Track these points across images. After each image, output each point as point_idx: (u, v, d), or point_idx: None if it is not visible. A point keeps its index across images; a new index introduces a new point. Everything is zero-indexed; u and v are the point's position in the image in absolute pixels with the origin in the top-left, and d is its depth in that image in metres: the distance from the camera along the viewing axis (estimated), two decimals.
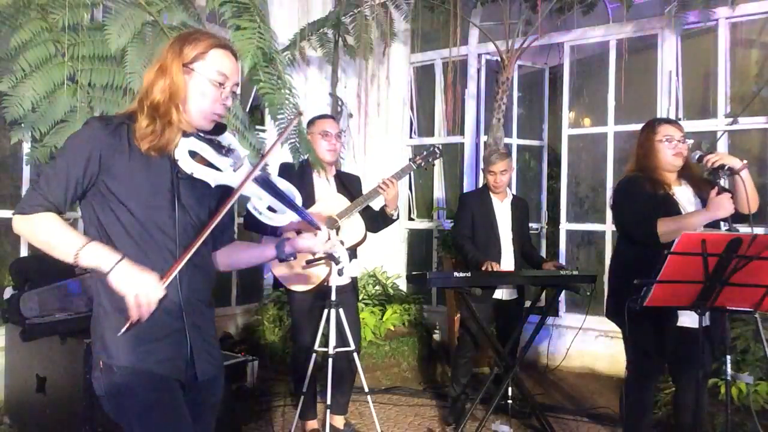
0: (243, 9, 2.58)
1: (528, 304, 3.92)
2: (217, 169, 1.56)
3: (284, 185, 1.66)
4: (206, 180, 1.53)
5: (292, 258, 1.72)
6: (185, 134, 1.52)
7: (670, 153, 2.57)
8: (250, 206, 1.59)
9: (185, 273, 1.51)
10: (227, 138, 1.62)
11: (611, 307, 2.68)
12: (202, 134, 1.56)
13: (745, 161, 2.42)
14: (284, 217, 1.61)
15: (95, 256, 1.38)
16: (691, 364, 2.58)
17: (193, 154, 1.52)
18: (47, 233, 1.40)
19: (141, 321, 1.37)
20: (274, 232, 2.76)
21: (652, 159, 2.59)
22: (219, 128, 1.59)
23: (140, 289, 1.36)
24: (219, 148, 1.56)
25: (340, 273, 2.67)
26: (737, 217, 2.38)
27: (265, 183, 1.60)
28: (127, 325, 1.37)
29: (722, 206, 2.34)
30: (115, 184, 1.46)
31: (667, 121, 2.69)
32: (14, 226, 1.44)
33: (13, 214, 1.43)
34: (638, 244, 2.56)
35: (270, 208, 1.61)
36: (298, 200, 1.67)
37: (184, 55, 1.50)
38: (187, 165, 1.50)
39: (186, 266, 1.47)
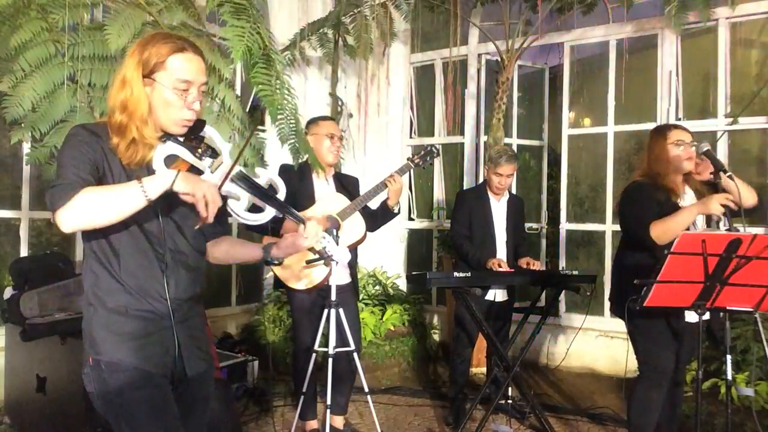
0: (240, 9, 2.58)
1: (528, 304, 3.92)
2: (197, 171, 1.55)
3: (264, 179, 1.66)
4: None
5: (278, 262, 1.74)
6: (161, 139, 1.52)
7: (682, 157, 2.58)
8: (229, 209, 1.58)
9: (172, 272, 1.55)
10: (207, 135, 1.61)
11: (619, 307, 2.68)
12: (180, 137, 1.56)
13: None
14: (264, 215, 1.62)
15: (156, 184, 1.40)
16: (685, 357, 2.63)
17: (173, 158, 1.52)
18: (101, 200, 1.37)
19: (208, 221, 1.45)
20: (276, 233, 2.77)
21: (663, 163, 2.59)
22: (197, 126, 1.58)
23: (204, 189, 1.43)
24: (196, 150, 1.55)
25: (326, 264, 2.61)
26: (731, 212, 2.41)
27: (242, 180, 1.59)
28: (200, 224, 1.49)
29: (709, 207, 2.37)
30: None
31: (677, 126, 2.69)
32: (64, 224, 1.36)
33: (56, 213, 1.36)
34: (642, 247, 2.56)
35: (251, 209, 1.61)
36: (282, 193, 1.67)
37: (144, 66, 1.48)
38: None
39: (172, 265, 1.54)
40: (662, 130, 2.67)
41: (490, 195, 3.70)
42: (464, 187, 5.38)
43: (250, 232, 3.57)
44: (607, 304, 3.26)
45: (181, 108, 1.52)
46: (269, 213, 1.62)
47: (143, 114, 1.48)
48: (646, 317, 2.47)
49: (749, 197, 2.45)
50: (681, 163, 2.58)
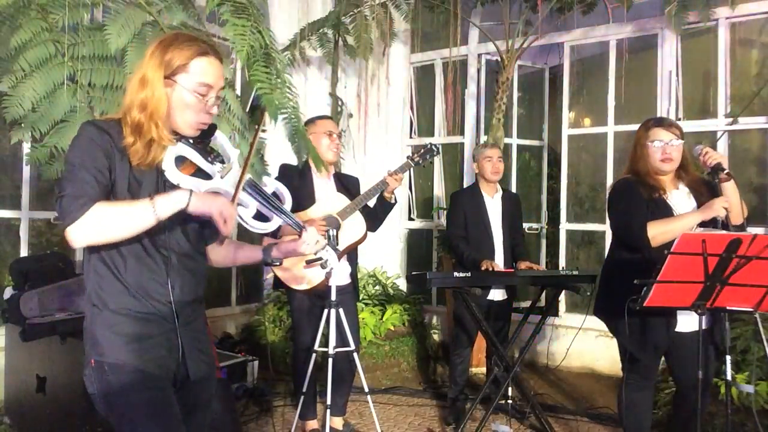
0: (240, 9, 2.58)
1: (528, 304, 3.92)
2: (206, 175, 1.56)
3: (272, 187, 1.67)
4: (193, 189, 1.52)
5: (278, 263, 1.75)
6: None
7: (657, 157, 2.49)
8: (237, 216, 1.59)
9: (177, 274, 1.56)
10: (218, 140, 1.61)
11: (602, 306, 2.68)
12: (191, 140, 1.56)
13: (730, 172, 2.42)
14: (271, 224, 1.63)
15: (168, 203, 1.42)
16: (691, 366, 2.58)
17: (182, 160, 1.52)
18: (112, 217, 1.39)
19: (227, 236, 1.54)
20: (275, 234, 2.77)
21: (642, 163, 2.54)
22: (208, 130, 1.58)
23: (219, 207, 1.47)
24: (207, 153, 1.56)
25: (327, 276, 2.68)
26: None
27: (251, 188, 1.61)
28: (219, 239, 1.66)
29: (713, 209, 2.34)
30: (116, 189, 1.47)
31: (660, 122, 2.54)
32: (74, 240, 1.37)
33: (66, 228, 1.37)
34: (631, 247, 2.55)
35: (257, 216, 1.61)
36: (288, 201, 1.68)
37: (166, 67, 1.48)
38: (174, 176, 1.49)
39: (178, 268, 1.55)
40: (646, 126, 2.56)
41: (484, 193, 3.71)
42: (464, 187, 5.39)
43: (249, 233, 3.57)
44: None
45: (200, 111, 1.52)
46: (276, 222, 1.63)
47: (162, 115, 1.48)
48: (633, 320, 2.42)
49: (740, 214, 2.42)
50: (656, 164, 2.50)
